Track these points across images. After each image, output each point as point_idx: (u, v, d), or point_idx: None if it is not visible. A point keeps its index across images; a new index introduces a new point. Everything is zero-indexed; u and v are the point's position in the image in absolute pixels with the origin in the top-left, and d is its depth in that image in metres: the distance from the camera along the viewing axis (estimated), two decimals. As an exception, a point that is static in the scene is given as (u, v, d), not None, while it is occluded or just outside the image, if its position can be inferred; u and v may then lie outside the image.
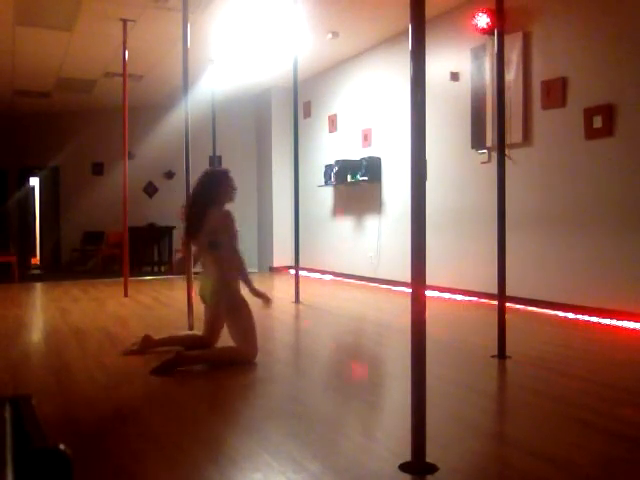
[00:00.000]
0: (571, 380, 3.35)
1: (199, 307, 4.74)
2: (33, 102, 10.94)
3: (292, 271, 8.14)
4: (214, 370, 3.59)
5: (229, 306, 3.75)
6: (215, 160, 9.05)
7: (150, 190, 11.70)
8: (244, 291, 3.82)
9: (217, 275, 3.80)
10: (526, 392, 3.16)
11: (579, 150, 5.43)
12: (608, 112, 5.13)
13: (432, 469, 2.09)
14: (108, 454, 2.32)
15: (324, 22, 7.22)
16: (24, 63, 8.64)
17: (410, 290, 2.21)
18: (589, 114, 5.28)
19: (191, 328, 4.67)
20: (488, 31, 5.84)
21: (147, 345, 3.97)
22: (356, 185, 8.64)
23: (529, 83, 5.90)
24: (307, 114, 10.11)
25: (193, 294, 4.82)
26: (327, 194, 9.52)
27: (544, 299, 5.71)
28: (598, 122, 5.21)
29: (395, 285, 7.67)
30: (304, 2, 6.44)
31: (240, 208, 12.22)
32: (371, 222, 8.49)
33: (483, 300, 6.30)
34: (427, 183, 2.27)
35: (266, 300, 3.84)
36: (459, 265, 6.82)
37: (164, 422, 2.69)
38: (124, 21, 6.92)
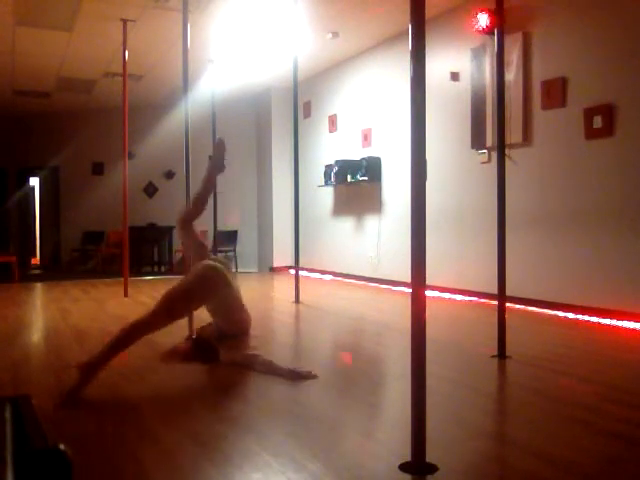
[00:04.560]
0: (571, 380, 3.35)
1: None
2: (33, 102, 10.95)
3: (292, 271, 8.14)
4: (214, 370, 3.59)
5: None
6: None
7: (150, 190, 11.70)
8: None
9: None
10: (526, 392, 3.15)
11: (579, 150, 5.43)
12: (608, 112, 5.13)
13: (432, 469, 2.09)
14: (108, 454, 2.32)
15: (324, 22, 7.22)
16: (24, 63, 8.64)
17: (410, 290, 2.21)
18: (589, 114, 5.28)
19: (191, 329, 4.66)
20: (488, 31, 5.84)
21: None
22: (356, 185, 8.64)
23: (529, 83, 5.90)
24: (307, 114, 10.11)
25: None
26: (327, 194, 9.52)
27: (544, 299, 5.71)
28: (598, 122, 5.21)
29: (395, 285, 7.66)
30: (304, 2, 6.44)
31: (240, 208, 12.22)
32: (371, 222, 8.49)
33: (483, 300, 6.30)
34: (427, 183, 2.27)
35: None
36: (459, 265, 6.82)
37: (164, 422, 2.69)
38: (124, 21, 6.92)
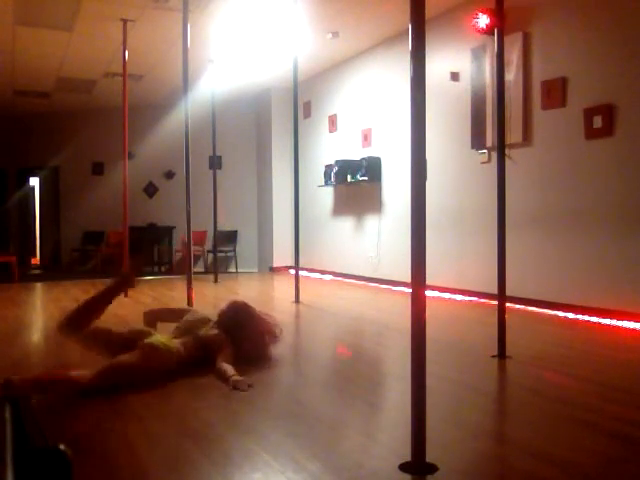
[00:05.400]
0: (571, 380, 3.35)
1: (199, 307, 4.75)
2: (33, 102, 10.95)
3: (292, 271, 8.14)
4: (214, 371, 3.59)
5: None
6: (215, 160, 9.04)
7: (150, 190, 11.70)
8: None
9: None
10: (526, 392, 3.16)
11: (579, 150, 5.43)
12: (608, 112, 5.13)
13: (432, 469, 2.09)
14: (108, 454, 2.32)
15: (324, 22, 7.22)
16: (24, 63, 8.64)
17: (410, 290, 2.21)
18: (589, 114, 5.28)
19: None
20: (488, 31, 5.83)
21: None
22: (356, 185, 8.64)
23: (529, 83, 5.90)
24: (307, 114, 10.11)
25: (193, 294, 4.82)
26: (327, 194, 9.52)
27: (544, 299, 5.71)
28: (598, 122, 5.21)
29: (395, 285, 7.66)
30: (304, 2, 6.44)
31: (240, 208, 12.23)
32: (371, 222, 8.49)
33: (483, 300, 6.30)
34: (427, 183, 2.27)
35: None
36: (459, 265, 6.82)
37: (164, 422, 2.69)
38: (124, 21, 6.92)
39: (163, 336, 3.56)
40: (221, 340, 3.65)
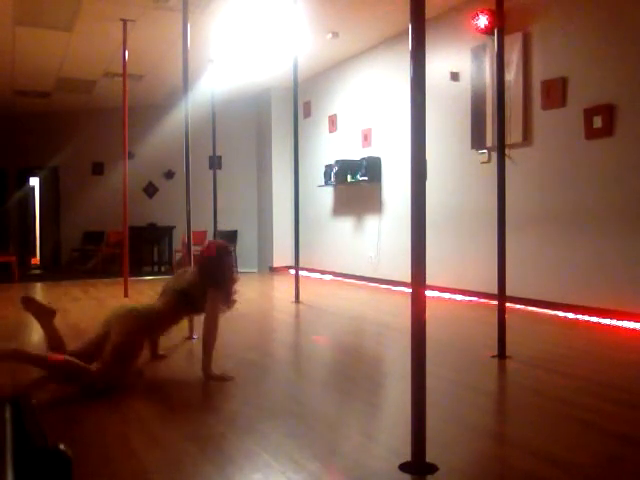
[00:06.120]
0: (571, 380, 3.35)
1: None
2: (33, 102, 10.95)
3: (292, 271, 8.14)
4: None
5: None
6: (215, 160, 9.04)
7: (150, 190, 11.70)
8: None
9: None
10: (526, 392, 3.16)
11: (579, 150, 5.43)
12: (608, 112, 5.13)
13: (432, 469, 2.09)
14: (108, 454, 2.32)
15: (324, 22, 7.22)
16: (24, 63, 8.64)
17: (410, 290, 2.21)
18: (589, 114, 5.28)
19: (191, 329, 4.66)
20: (488, 31, 5.84)
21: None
22: (356, 185, 8.64)
23: (529, 83, 5.90)
24: (307, 114, 10.11)
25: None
26: (327, 194, 9.52)
27: (544, 299, 5.71)
28: (598, 122, 5.21)
29: (395, 285, 7.66)
30: (304, 2, 6.44)
31: (240, 208, 12.20)
32: (371, 222, 8.49)
33: (483, 300, 6.30)
34: (427, 183, 2.27)
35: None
36: (459, 265, 6.82)
37: (164, 422, 2.69)
38: (124, 21, 6.93)
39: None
40: (196, 283, 3.51)
